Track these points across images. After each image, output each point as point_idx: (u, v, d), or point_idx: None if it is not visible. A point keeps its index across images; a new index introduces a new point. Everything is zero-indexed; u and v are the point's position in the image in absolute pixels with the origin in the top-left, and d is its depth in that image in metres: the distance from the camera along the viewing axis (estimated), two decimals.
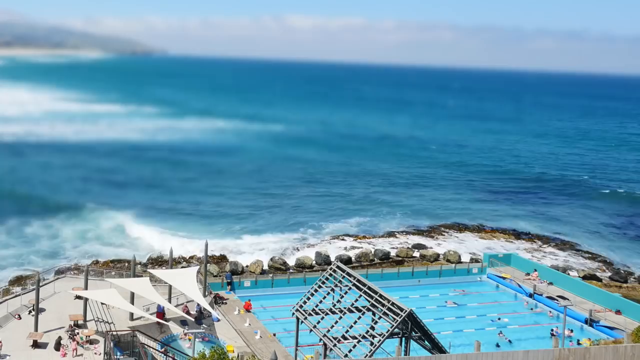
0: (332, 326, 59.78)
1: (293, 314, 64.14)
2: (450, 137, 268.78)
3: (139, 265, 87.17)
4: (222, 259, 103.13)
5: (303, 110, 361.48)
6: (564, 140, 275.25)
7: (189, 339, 67.42)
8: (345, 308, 61.66)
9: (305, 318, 62.14)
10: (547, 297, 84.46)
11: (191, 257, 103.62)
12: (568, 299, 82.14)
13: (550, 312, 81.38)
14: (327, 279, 65.13)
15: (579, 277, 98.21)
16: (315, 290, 64.69)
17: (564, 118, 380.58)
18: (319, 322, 60.92)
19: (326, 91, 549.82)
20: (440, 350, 56.44)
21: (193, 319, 72.60)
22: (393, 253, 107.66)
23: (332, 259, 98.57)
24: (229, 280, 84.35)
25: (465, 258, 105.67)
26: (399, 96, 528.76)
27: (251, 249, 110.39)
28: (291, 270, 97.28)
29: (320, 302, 63.24)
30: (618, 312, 79.36)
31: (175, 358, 63.29)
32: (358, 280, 61.95)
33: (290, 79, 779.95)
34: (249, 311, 77.96)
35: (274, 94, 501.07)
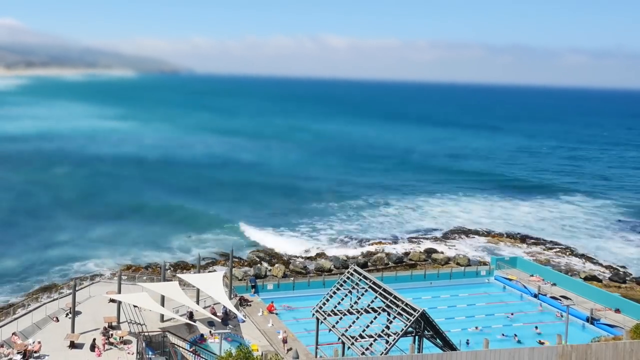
0: (350, 326, 60.35)
1: (313, 314, 64.83)
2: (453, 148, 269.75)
3: (169, 270, 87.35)
4: (251, 264, 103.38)
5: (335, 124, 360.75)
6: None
7: (216, 339, 67.23)
8: (362, 309, 62.14)
9: (325, 318, 62.77)
10: (551, 297, 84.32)
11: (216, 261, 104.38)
12: (570, 299, 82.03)
13: (558, 312, 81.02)
14: (344, 281, 65.75)
15: (581, 278, 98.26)
16: (334, 293, 65.30)
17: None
18: (337, 322, 61.54)
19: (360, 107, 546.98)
20: (451, 347, 57.03)
21: (220, 320, 72.98)
22: (406, 257, 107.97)
23: (350, 262, 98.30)
24: (253, 284, 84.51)
25: (474, 261, 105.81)
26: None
27: (273, 254, 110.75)
28: (311, 274, 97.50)
29: (339, 303, 63.89)
30: (617, 310, 79.53)
31: (204, 357, 63.27)
32: (374, 283, 62.80)
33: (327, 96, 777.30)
34: (272, 312, 78.40)
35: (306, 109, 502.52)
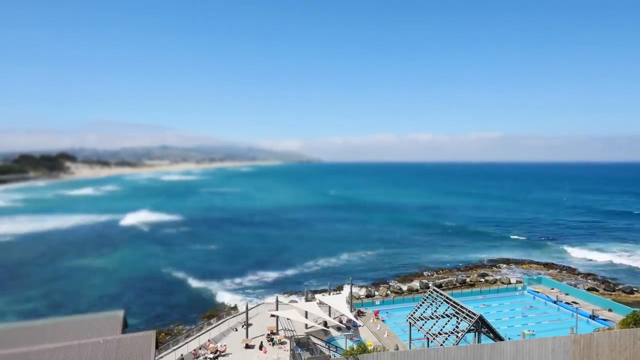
0: (432, 327, 62.69)
1: (407, 320, 66.70)
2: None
3: (309, 294, 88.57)
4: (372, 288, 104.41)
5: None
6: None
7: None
8: (439, 315, 63.88)
9: (415, 322, 64.76)
10: (565, 302, 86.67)
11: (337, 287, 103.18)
12: (578, 303, 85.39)
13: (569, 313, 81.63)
14: (427, 297, 67.36)
15: (585, 289, 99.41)
16: (420, 305, 66.96)
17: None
18: (423, 325, 63.55)
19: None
20: (500, 339, 57.84)
21: (344, 326, 74.33)
22: (467, 279, 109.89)
23: (430, 284, 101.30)
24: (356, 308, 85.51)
25: (513, 280, 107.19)
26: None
27: (379, 280, 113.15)
28: (404, 293, 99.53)
29: (424, 312, 65.69)
30: (610, 310, 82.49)
31: (335, 351, 64.24)
32: (447, 297, 64.78)
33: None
34: (377, 318, 79.62)
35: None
